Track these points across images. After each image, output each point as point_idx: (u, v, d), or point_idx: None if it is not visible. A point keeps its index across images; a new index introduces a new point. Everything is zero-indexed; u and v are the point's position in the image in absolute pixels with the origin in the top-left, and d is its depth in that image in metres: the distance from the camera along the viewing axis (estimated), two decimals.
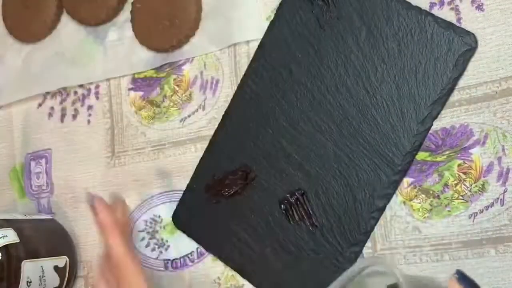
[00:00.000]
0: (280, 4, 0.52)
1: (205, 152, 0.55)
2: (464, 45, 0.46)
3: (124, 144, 0.59)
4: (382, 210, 0.48)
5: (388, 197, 0.48)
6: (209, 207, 0.54)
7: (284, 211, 0.51)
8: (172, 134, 0.57)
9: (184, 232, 0.55)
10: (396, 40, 0.48)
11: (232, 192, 0.53)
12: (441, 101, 0.46)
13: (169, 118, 0.57)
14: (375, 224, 0.48)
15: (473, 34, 0.46)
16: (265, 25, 0.54)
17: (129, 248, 0.48)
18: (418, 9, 0.47)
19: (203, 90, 0.56)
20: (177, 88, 0.57)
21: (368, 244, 0.48)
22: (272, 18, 0.53)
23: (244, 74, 0.54)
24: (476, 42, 0.46)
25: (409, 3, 0.47)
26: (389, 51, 0.48)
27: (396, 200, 0.47)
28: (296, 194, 0.50)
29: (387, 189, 0.47)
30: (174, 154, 0.57)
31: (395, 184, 0.47)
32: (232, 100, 0.54)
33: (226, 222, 0.53)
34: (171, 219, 0.56)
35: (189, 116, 0.56)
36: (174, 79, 0.57)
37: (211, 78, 0.56)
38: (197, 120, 0.56)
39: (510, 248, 0.44)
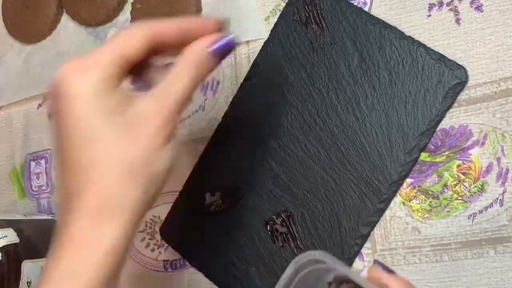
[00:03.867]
0: (275, 25, 0.52)
1: (194, 167, 0.55)
2: (454, 79, 0.45)
3: None
4: (366, 237, 0.48)
5: (372, 225, 0.48)
6: (196, 223, 0.53)
7: (269, 232, 0.50)
8: None
9: (170, 245, 0.55)
10: (388, 69, 0.48)
11: (219, 209, 0.52)
12: (429, 133, 0.46)
13: None
14: (359, 251, 0.48)
15: (464, 68, 0.46)
16: (264, 25, 0.54)
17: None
18: (411, 39, 0.47)
19: (204, 91, 0.56)
20: None
21: (368, 245, 0.48)
22: (270, 18, 0.54)
23: (237, 92, 0.54)
24: (466, 76, 0.46)
25: (402, 33, 0.47)
26: (380, 79, 0.48)
27: (396, 200, 0.48)
28: (282, 215, 0.50)
29: (372, 217, 0.47)
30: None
31: (380, 212, 0.47)
32: (224, 117, 0.54)
33: (212, 239, 0.53)
34: None
35: (188, 116, 0.57)
36: None
37: (211, 79, 0.56)
38: (197, 121, 0.56)
39: (509, 249, 0.44)
